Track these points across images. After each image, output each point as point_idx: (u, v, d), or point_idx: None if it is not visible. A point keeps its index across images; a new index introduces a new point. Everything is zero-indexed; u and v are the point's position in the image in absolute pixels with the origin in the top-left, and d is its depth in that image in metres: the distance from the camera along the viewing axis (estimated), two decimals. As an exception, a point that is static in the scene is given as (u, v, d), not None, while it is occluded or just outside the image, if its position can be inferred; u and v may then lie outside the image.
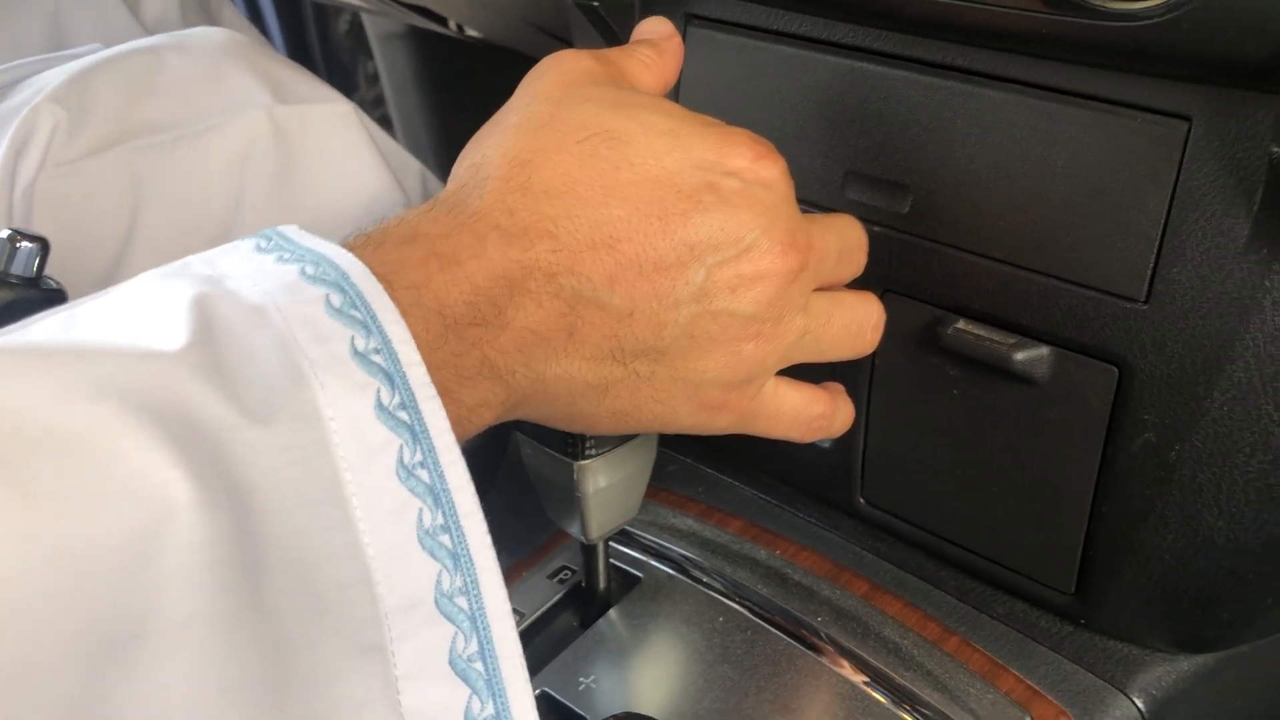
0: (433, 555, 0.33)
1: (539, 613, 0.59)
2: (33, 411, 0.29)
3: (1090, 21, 0.41)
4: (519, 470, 0.57)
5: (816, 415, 0.49)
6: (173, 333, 0.32)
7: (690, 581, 0.60)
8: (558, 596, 0.60)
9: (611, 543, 0.58)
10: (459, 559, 0.33)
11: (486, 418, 0.39)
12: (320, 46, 1.51)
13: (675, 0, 0.58)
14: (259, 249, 0.37)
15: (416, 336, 0.34)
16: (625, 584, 0.60)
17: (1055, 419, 0.50)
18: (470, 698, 0.33)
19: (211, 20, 0.90)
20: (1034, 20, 0.43)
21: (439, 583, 0.33)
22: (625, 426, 0.44)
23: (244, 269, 0.35)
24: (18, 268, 0.43)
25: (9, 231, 0.45)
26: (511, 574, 0.63)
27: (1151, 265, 0.45)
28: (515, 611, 0.60)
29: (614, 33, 0.60)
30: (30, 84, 0.64)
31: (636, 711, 0.51)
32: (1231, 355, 0.44)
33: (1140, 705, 0.52)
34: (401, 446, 0.33)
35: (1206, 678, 0.53)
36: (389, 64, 1.41)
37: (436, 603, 0.33)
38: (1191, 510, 0.48)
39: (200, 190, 0.64)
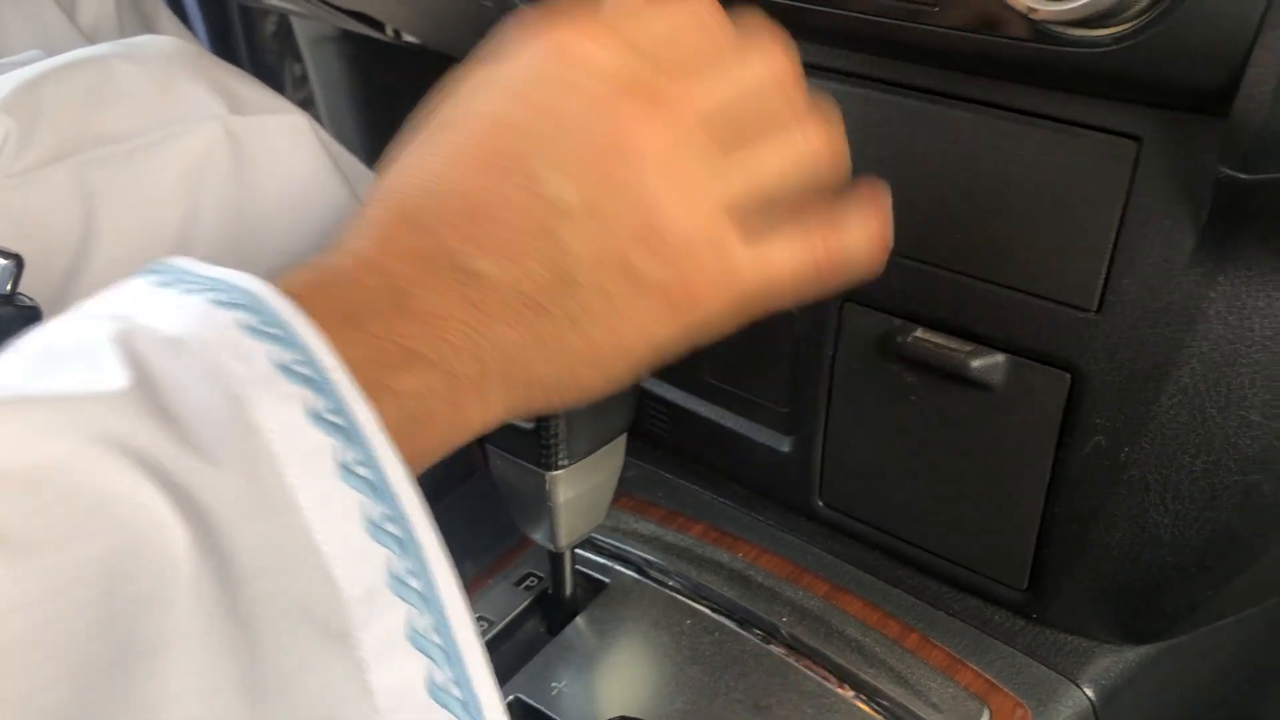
0: (381, 543, 0.34)
1: (507, 620, 0.60)
2: None
3: (1052, 48, 0.43)
4: (480, 478, 0.57)
5: (817, 259, 0.42)
6: (103, 372, 0.32)
7: (655, 586, 0.61)
8: (525, 603, 0.61)
9: (575, 549, 0.59)
10: (405, 544, 0.35)
11: (487, 416, 0.40)
12: (246, 49, 1.49)
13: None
14: (160, 284, 0.37)
15: (332, 340, 0.35)
16: (591, 589, 0.61)
17: (1010, 423, 0.53)
18: (431, 667, 0.34)
19: (148, 25, 0.89)
20: (997, 45, 0.44)
21: (390, 567, 0.34)
22: (610, 374, 0.41)
23: (149, 304, 0.36)
24: (-9, 285, 0.43)
25: (-20, 248, 0.44)
26: (477, 581, 0.63)
27: (1103, 276, 0.47)
28: (483, 619, 0.60)
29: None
30: (-28, 93, 0.62)
31: (628, 715, 0.52)
32: (1178, 361, 0.46)
33: (1090, 694, 0.55)
34: (339, 448, 0.34)
35: (1150, 666, 0.56)
36: (319, 67, 1.39)
37: (390, 586, 0.34)
38: (1139, 509, 0.50)
39: (155, 202, 0.63)
